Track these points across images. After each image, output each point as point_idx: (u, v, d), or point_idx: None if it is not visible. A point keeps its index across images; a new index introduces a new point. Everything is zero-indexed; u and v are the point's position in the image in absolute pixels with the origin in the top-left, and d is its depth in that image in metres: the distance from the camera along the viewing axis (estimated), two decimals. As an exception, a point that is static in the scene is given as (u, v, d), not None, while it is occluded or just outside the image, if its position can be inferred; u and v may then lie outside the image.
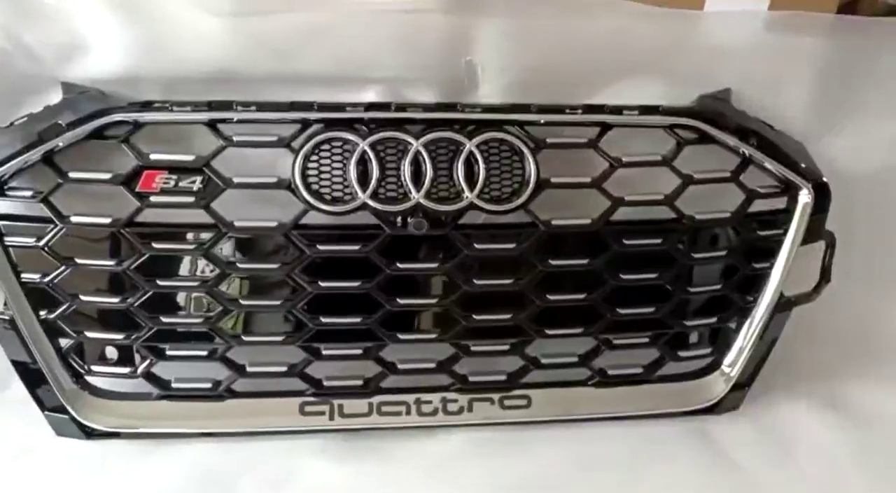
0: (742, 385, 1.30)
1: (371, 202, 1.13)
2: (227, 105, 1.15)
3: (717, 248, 1.26)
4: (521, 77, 1.25)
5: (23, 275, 1.14)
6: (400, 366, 1.22)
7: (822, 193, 1.24)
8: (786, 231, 1.25)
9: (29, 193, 1.13)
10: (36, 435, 1.20)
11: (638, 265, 1.23)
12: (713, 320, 1.27)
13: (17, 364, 1.17)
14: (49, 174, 1.13)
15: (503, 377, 1.24)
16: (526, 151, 1.16)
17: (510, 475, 1.18)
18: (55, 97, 1.21)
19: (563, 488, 1.17)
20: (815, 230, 1.26)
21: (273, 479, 1.15)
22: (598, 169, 1.21)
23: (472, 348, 1.22)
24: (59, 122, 1.12)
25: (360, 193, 1.13)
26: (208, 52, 1.20)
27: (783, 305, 1.28)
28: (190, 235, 1.15)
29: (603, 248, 1.20)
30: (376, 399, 1.22)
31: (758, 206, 1.25)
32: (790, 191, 1.25)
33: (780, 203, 1.26)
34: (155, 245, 1.14)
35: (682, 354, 1.28)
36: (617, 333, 1.25)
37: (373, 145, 1.14)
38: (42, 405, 1.19)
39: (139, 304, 1.15)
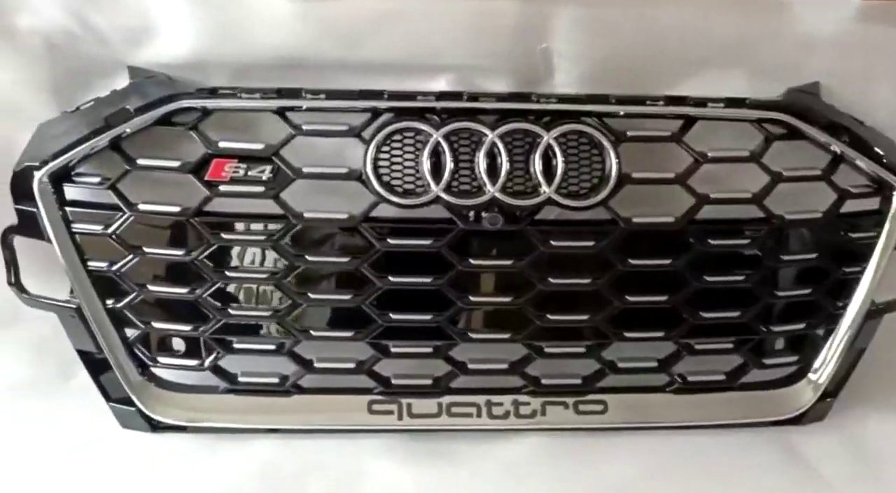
0: (829, 395, 1.23)
1: (444, 196, 1.09)
2: (296, 93, 1.12)
3: (805, 250, 1.19)
4: (598, 66, 1.20)
5: (89, 263, 1.12)
6: (470, 366, 1.17)
7: (917, 195, 1.17)
8: (878, 234, 1.18)
9: (96, 180, 1.11)
10: (101, 427, 1.18)
11: (722, 267, 1.17)
12: (801, 325, 1.20)
13: (82, 354, 1.16)
14: (117, 161, 1.11)
15: (578, 381, 1.19)
16: (607, 144, 1.11)
17: (583, 484, 1.13)
18: (122, 81, 1.19)
19: (640, 499, 1.12)
20: (909, 233, 1.18)
21: (341, 479, 1.12)
22: (678, 164, 1.15)
23: (546, 350, 1.17)
24: (127, 107, 1.10)
25: (433, 186, 1.09)
26: (278, 38, 1.17)
27: (874, 312, 1.20)
28: (258, 226, 1.12)
29: (686, 247, 1.14)
30: (446, 400, 1.18)
31: (849, 206, 1.18)
32: (883, 191, 1.17)
33: (873, 204, 1.19)
34: (224, 235, 1.11)
35: (768, 361, 1.22)
36: (699, 337, 1.19)
37: (446, 136, 1.09)
38: (107, 396, 1.17)
39: (208, 295, 1.12)
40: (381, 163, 1.10)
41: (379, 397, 1.17)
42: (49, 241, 1.11)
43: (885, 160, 1.16)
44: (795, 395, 1.23)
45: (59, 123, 1.15)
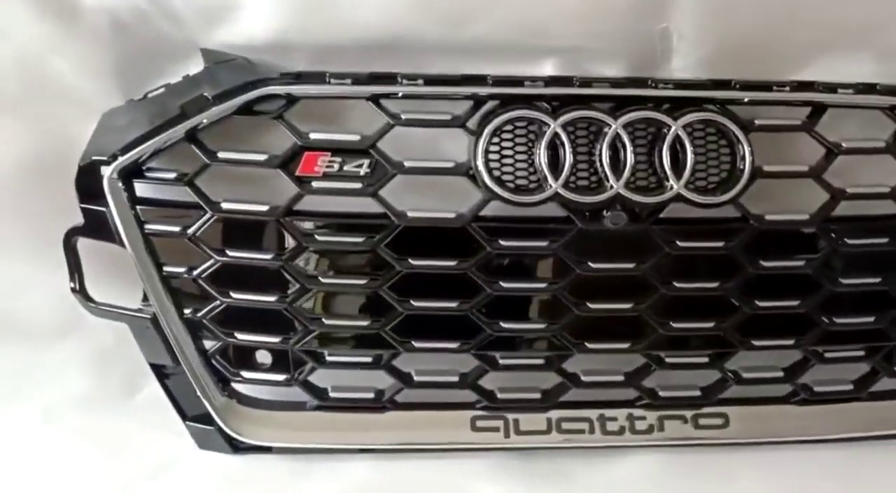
0: (963, 403, 1.14)
1: (564, 192, 0.98)
2: (391, 78, 1.00)
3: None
4: (719, 49, 1.09)
5: (165, 268, 1.01)
6: (584, 378, 1.07)
7: None
8: None
9: (172, 175, 1.00)
10: (174, 447, 1.07)
11: (855, 268, 1.07)
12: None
13: (156, 368, 1.05)
14: (194, 154, 0.99)
15: (697, 393, 1.09)
16: (739, 134, 1.00)
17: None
18: (194, 66, 1.07)
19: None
20: None
21: (446, 504, 1.02)
22: (796, 156, 1.06)
23: (667, 360, 1.07)
24: (205, 94, 0.99)
25: (551, 182, 0.98)
26: (370, 16, 1.05)
27: None
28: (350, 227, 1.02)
29: (819, 247, 1.05)
30: (555, 414, 1.07)
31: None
32: None
33: None
34: (319, 238, 1.00)
35: (901, 369, 1.12)
36: (830, 344, 1.09)
37: (564, 126, 0.99)
38: (183, 414, 1.06)
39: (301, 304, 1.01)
40: (491, 156, 0.99)
41: (483, 413, 1.07)
42: (120, 243, 1.00)
43: None
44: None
45: (126, 113, 1.04)
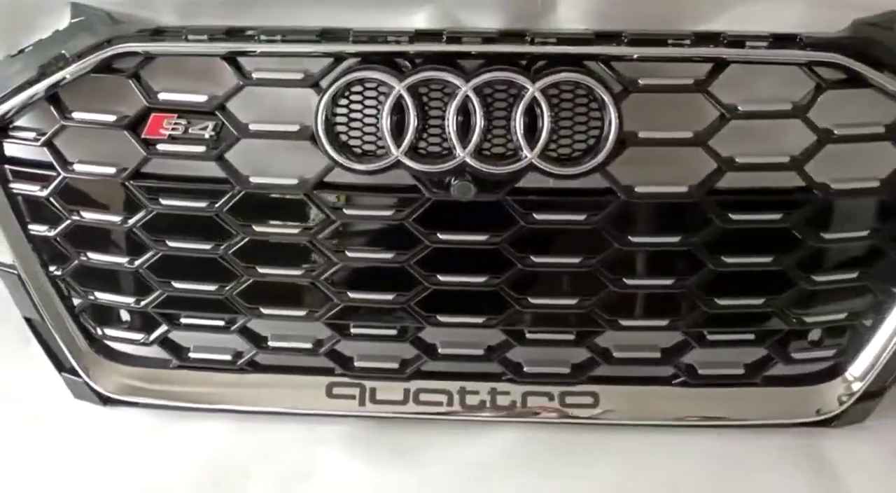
0: (872, 395, 1.03)
1: (406, 160, 0.93)
2: (248, 33, 0.96)
3: (857, 226, 0.98)
4: None
5: (31, 226, 1.03)
6: (441, 350, 1.04)
7: None
8: (953, 209, 0.95)
9: (31, 135, 1.01)
10: (54, 397, 1.11)
11: (746, 245, 0.97)
12: (842, 316, 1.01)
13: (28, 321, 1.08)
14: (52, 114, 0.99)
15: (566, 369, 1.03)
16: (605, 96, 0.91)
17: (564, 487, 0.99)
18: (65, 20, 1.05)
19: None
20: None
21: (289, 472, 1.01)
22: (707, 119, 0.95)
23: (529, 336, 1.02)
24: (64, 52, 0.98)
25: (392, 148, 0.93)
26: None
27: (937, 299, 0.99)
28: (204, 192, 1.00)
29: (702, 223, 0.95)
30: (414, 385, 1.05)
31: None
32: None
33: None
34: (163, 201, 0.99)
35: (798, 355, 1.03)
36: (714, 326, 1.01)
37: (412, 88, 0.92)
38: (59, 366, 1.09)
39: (148, 266, 1.01)
40: (338, 119, 0.94)
41: (340, 380, 1.06)
42: (-15, 202, 1.03)
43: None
44: (828, 393, 1.04)
45: (2, 68, 1.04)
